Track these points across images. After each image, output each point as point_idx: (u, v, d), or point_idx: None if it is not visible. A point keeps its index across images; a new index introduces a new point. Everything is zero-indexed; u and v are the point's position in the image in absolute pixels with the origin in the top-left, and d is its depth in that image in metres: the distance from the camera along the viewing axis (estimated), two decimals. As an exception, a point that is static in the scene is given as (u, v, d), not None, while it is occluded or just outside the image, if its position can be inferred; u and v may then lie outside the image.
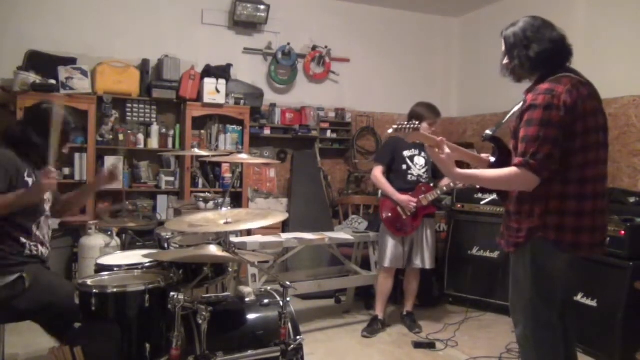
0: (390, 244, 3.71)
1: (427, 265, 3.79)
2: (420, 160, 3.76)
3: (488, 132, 2.23)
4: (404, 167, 3.73)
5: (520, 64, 2.11)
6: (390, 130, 2.01)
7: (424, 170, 3.75)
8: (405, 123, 2.00)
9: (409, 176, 3.72)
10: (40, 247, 2.39)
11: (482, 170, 2.09)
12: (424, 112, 3.66)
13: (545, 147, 1.91)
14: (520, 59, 2.10)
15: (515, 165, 1.95)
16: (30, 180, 2.39)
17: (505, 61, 2.19)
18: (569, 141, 1.95)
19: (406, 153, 3.75)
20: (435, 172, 3.79)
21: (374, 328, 3.74)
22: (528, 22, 2.13)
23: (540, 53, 2.05)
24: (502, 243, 2.19)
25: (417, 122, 2.00)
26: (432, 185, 3.75)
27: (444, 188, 3.65)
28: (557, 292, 2.09)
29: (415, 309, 4.16)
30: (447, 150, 2.04)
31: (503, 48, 2.19)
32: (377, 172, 3.76)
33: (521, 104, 2.09)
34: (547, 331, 2.07)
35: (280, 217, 2.22)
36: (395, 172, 3.74)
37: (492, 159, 2.24)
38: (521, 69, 2.12)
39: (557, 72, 2.04)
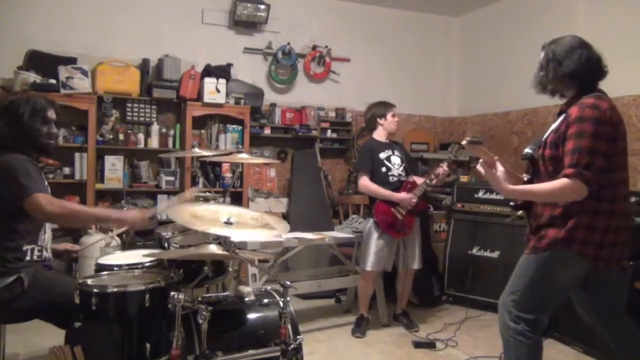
0: (375, 247, 3.68)
1: (418, 265, 3.82)
2: (396, 160, 3.77)
3: (529, 150, 2.27)
4: (384, 169, 3.73)
5: (554, 78, 2.16)
6: (464, 142, 2.09)
7: (401, 168, 3.77)
8: (476, 137, 2.08)
9: (391, 177, 3.73)
10: (44, 252, 2.40)
11: (532, 185, 2.14)
12: (382, 108, 3.80)
13: (598, 160, 1.96)
14: (555, 73, 2.15)
15: (566, 175, 1.97)
16: (46, 182, 2.39)
17: (541, 73, 2.22)
18: (609, 159, 2.01)
19: (382, 155, 3.75)
20: (411, 168, 3.84)
21: (363, 327, 3.76)
22: (567, 41, 2.17)
23: (573, 71, 2.10)
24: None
25: (479, 136, 2.10)
26: (414, 180, 3.77)
27: (427, 181, 3.62)
28: (549, 301, 2.20)
29: (415, 309, 4.18)
30: (500, 167, 2.10)
31: (541, 61, 2.23)
32: (365, 181, 3.72)
33: (561, 118, 2.13)
34: (526, 326, 2.17)
35: (283, 229, 2.20)
36: (377, 176, 3.72)
37: (526, 177, 2.30)
38: (555, 83, 2.17)
39: (591, 90, 2.11)
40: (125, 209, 2.32)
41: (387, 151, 3.77)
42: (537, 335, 2.18)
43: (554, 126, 2.16)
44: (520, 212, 2.33)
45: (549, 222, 2.12)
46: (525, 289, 2.17)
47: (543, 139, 2.19)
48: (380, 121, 3.80)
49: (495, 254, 4.28)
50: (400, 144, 4.02)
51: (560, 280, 2.15)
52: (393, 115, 3.81)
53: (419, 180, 3.74)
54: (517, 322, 2.17)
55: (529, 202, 2.25)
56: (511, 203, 2.39)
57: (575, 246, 2.05)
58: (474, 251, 4.40)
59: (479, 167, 2.15)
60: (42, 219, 2.22)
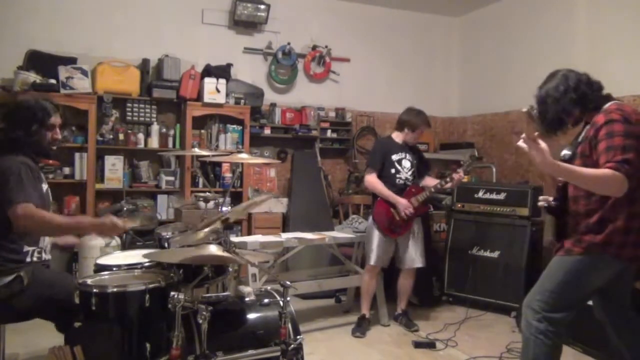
0: (377, 242, 3.74)
1: (420, 264, 3.83)
2: (406, 164, 3.80)
3: (567, 152, 2.29)
4: (393, 170, 3.76)
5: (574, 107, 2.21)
6: (525, 109, 2.11)
7: (410, 172, 3.80)
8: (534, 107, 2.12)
9: (397, 179, 3.76)
10: (43, 254, 2.40)
11: (577, 167, 2.10)
12: (418, 122, 3.76)
13: (631, 155, 1.98)
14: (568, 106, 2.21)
15: (611, 168, 1.97)
16: (44, 187, 2.39)
17: (557, 115, 2.24)
18: None
19: (394, 157, 3.78)
20: (419, 173, 3.85)
21: (364, 327, 3.76)
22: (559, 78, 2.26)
23: (582, 95, 2.19)
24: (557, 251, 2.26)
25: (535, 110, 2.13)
26: (420, 185, 3.79)
27: (432, 189, 3.68)
28: (577, 303, 2.21)
29: (415, 309, 4.19)
30: (543, 143, 2.07)
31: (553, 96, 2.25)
32: (372, 178, 3.77)
33: (587, 127, 2.18)
34: (550, 326, 2.16)
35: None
36: (385, 176, 3.76)
37: (560, 184, 2.32)
38: (578, 110, 2.22)
39: (604, 101, 2.18)
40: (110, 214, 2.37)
41: (400, 153, 3.80)
42: (558, 337, 2.19)
43: (581, 137, 2.21)
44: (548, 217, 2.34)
45: (585, 230, 2.14)
46: (556, 289, 2.18)
47: (577, 151, 2.21)
48: (407, 130, 3.80)
49: (495, 254, 4.28)
50: (416, 146, 4.00)
51: (591, 283, 2.18)
52: (421, 133, 3.84)
53: (432, 181, 3.78)
54: (541, 321, 2.18)
55: (562, 209, 2.27)
56: (545, 204, 2.38)
57: (612, 249, 2.08)
58: (474, 251, 4.40)
59: (521, 143, 2.09)
60: (15, 228, 2.20)
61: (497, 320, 4.06)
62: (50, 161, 4.35)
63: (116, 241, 3.98)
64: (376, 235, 3.74)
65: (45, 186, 2.42)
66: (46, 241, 2.44)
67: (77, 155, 4.47)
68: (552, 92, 2.23)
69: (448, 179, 3.64)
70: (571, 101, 2.19)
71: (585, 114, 2.23)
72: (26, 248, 2.31)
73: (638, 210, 2.09)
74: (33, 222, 2.17)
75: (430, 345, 3.50)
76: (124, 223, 2.34)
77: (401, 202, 3.68)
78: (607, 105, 2.15)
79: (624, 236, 2.08)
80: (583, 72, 2.25)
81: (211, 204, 3.02)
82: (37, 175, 2.34)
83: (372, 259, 3.75)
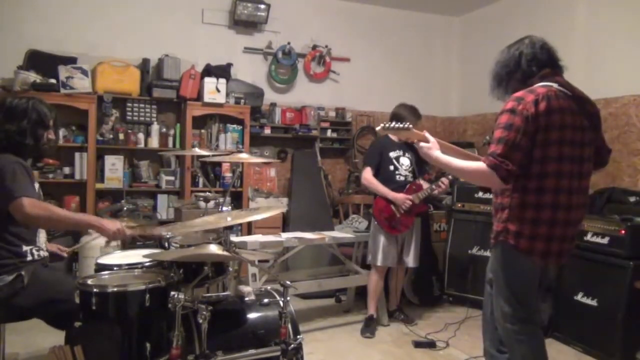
0: (383, 243, 3.73)
1: (412, 264, 3.84)
2: (405, 161, 3.80)
3: (487, 137, 2.37)
4: (392, 167, 3.76)
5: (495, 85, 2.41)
6: (378, 128, 2.16)
7: (409, 170, 3.79)
8: (394, 123, 2.16)
9: (397, 176, 3.76)
10: (41, 252, 2.41)
11: (453, 159, 2.17)
12: (406, 114, 3.70)
13: (503, 148, 1.98)
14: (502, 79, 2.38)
15: (483, 161, 2.03)
16: (36, 186, 2.39)
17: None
18: (530, 151, 2.01)
19: (392, 154, 3.78)
20: (419, 171, 3.86)
21: (372, 328, 3.76)
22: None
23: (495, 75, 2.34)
24: None
25: (408, 124, 2.17)
26: (420, 183, 3.80)
27: (433, 186, 3.67)
28: (520, 296, 2.16)
29: (415, 309, 4.19)
30: (431, 138, 2.23)
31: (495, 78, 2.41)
32: (368, 174, 3.77)
33: None
34: (525, 326, 2.15)
35: (279, 210, 2.22)
36: (384, 174, 3.76)
37: None
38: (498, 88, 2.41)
39: (532, 82, 2.15)
40: (108, 218, 2.36)
41: (397, 151, 3.80)
42: (530, 327, 2.16)
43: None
44: None
45: (494, 216, 2.19)
46: (503, 284, 2.18)
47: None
48: None
49: (495, 254, 4.27)
50: (414, 146, 4.00)
51: (521, 270, 2.14)
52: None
53: (425, 184, 3.78)
54: (507, 320, 2.17)
55: None
56: None
57: (511, 238, 2.08)
58: (474, 251, 4.40)
59: (417, 146, 2.27)
60: (21, 220, 2.20)
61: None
62: (51, 160, 4.35)
63: (116, 241, 3.97)
64: (382, 237, 3.74)
65: (37, 185, 2.43)
66: (42, 239, 2.44)
67: (77, 155, 4.47)
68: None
69: (434, 186, 3.64)
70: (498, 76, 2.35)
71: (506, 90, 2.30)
72: (25, 247, 2.31)
73: (532, 201, 2.04)
74: (42, 210, 2.18)
75: (430, 345, 3.50)
76: (127, 230, 2.35)
77: (398, 197, 3.67)
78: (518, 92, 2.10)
79: (519, 225, 2.07)
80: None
81: (211, 203, 3.02)
82: (30, 173, 2.35)
83: (379, 260, 3.74)
